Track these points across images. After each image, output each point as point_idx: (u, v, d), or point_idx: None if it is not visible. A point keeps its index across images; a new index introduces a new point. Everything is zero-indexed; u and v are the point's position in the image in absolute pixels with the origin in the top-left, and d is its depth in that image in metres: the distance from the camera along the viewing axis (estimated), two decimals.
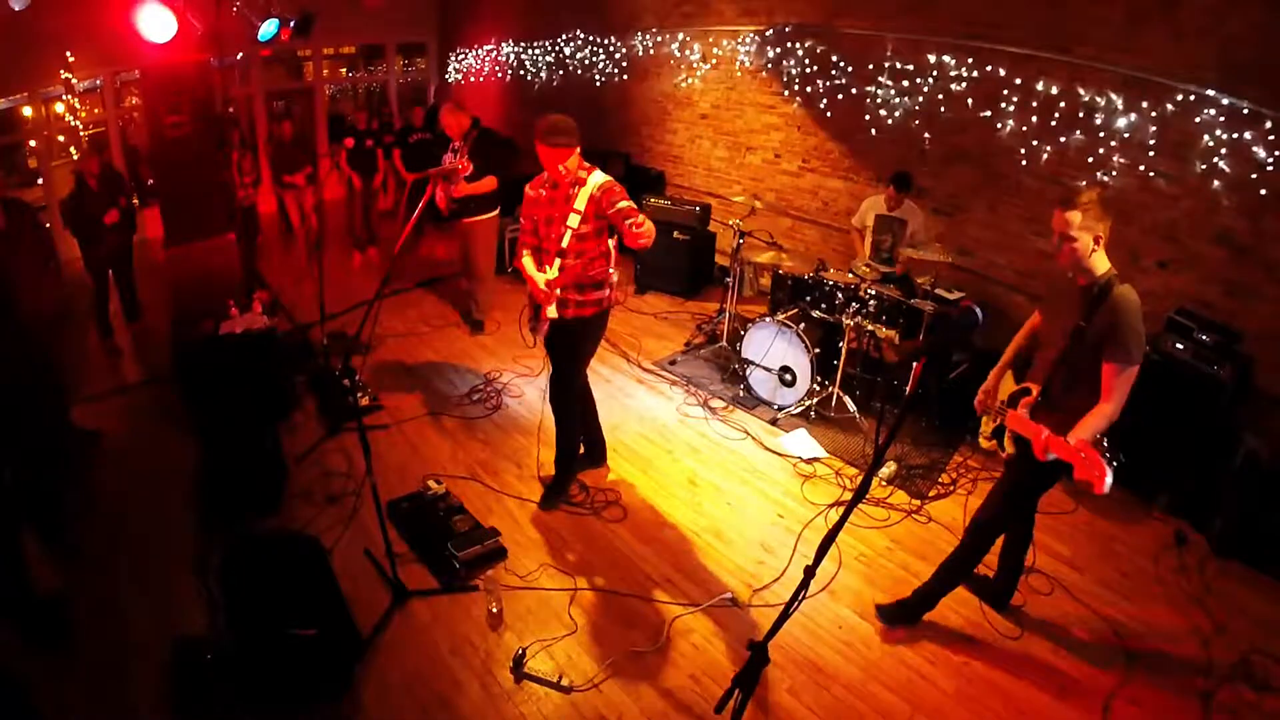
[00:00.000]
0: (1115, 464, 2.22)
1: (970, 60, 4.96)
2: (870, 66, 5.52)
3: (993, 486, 2.89)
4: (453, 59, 9.93)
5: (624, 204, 3.12)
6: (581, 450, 3.93)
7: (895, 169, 5.00)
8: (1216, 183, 4.07)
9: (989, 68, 4.87)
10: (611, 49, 7.64)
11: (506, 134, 6.83)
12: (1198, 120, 4.08)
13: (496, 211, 5.42)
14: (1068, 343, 2.45)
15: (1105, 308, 2.36)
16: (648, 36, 7.22)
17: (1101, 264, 2.41)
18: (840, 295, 4.51)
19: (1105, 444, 2.45)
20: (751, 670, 1.98)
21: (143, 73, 7.12)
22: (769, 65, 6.25)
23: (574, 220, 3.17)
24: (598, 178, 3.20)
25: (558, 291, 3.25)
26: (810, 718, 2.63)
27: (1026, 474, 2.68)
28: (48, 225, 6.30)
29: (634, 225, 3.01)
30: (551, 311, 3.28)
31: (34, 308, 3.57)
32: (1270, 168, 3.86)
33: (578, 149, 3.19)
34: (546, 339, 3.42)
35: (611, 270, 3.36)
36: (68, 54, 6.60)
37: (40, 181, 7.09)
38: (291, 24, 6.23)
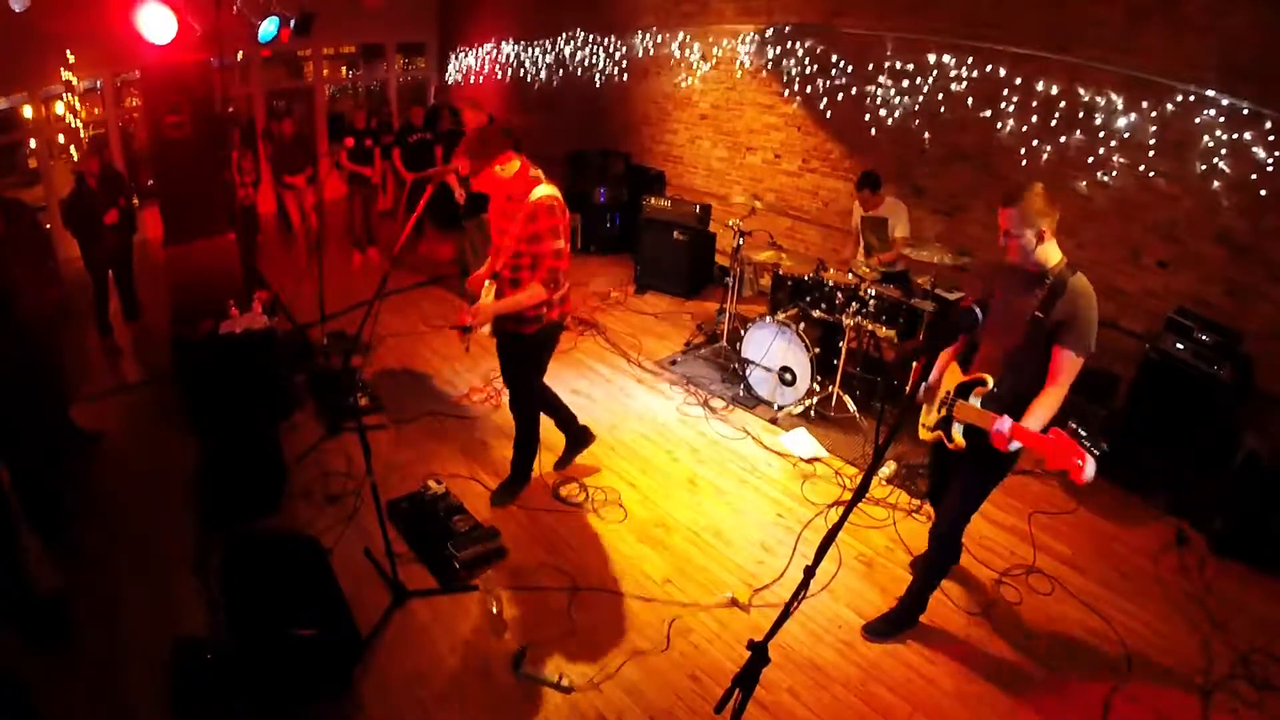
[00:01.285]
0: (1097, 453, 2.17)
1: (970, 60, 4.96)
2: (870, 66, 5.52)
3: (947, 496, 2.77)
4: (453, 59, 9.93)
5: (547, 243, 2.91)
6: (566, 441, 3.91)
7: (895, 168, 4.98)
8: (1216, 183, 4.07)
9: (989, 68, 4.87)
10: (611, 49, 7.63)
11: None
12: (1198, 120, 4.08)
13: None
14: (1027, 333, 2.42)
15: (1065, 299, 2.36)
16: (648, 36, 7.21)
17: (1053, 254, 2.43)
18: (840, 295, 4.51)
19: (1083, 433, 2.39)
20: (751, 670, 1.98)
21: (143, 73, 7.11)
22: (769, 65, 6.25)
23: (511, 235, 3.02)
24: (538, 192, 2.96)
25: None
26: (810, 718, 2.63)
27: (983, 467, 2.61)
28: (48, 225, 6.30)
29: (533, 267, 2.93)
30: (485, 329, 3.06)
31: (34, 308, 3.57)
32: (1270, 168, 3.86)
33: (496, 163, 2.92)
34: (498, 351, 3.38)
35: (552, 297, 3.11)
36: (68, 54, 6.60)
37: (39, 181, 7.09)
38: (291, 24, 6.22)
